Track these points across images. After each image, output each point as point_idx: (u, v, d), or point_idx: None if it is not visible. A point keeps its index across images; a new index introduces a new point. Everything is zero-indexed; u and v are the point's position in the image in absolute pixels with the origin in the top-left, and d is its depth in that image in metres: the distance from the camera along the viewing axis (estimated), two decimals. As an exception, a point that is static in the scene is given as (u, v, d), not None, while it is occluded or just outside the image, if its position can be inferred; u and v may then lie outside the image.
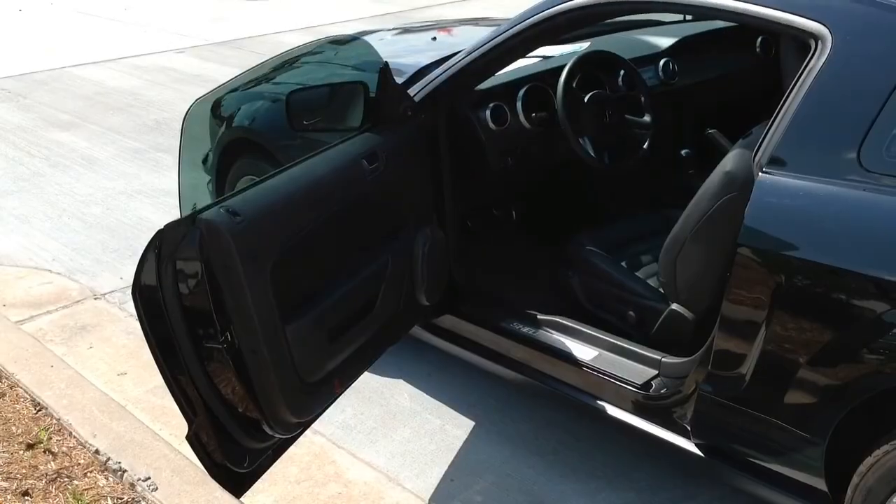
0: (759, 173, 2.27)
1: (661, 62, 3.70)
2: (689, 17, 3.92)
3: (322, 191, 2.57)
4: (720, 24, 3.86)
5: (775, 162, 2.27)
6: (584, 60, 3.28)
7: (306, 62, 3.80)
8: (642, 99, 3.43)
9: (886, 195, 2.11)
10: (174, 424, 3.20)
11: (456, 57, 3.10)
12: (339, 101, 2.95)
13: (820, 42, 2.27)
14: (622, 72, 3.53)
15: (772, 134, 2.30)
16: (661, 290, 2.98)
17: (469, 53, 3.05)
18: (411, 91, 3.08)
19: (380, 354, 2.97)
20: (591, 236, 3.26)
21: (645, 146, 3.37)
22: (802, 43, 2.37)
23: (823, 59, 2.24)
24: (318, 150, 2.69)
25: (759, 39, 3.96)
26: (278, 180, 2.47)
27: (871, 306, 2.08)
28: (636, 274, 3.12)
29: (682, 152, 3.58)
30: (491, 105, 3.27)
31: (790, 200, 2.24)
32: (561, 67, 3.42)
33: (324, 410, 2.70)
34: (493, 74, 3.16)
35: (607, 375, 2.85)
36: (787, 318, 2.22)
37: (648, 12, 3.09)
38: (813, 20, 2.29)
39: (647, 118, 3.42)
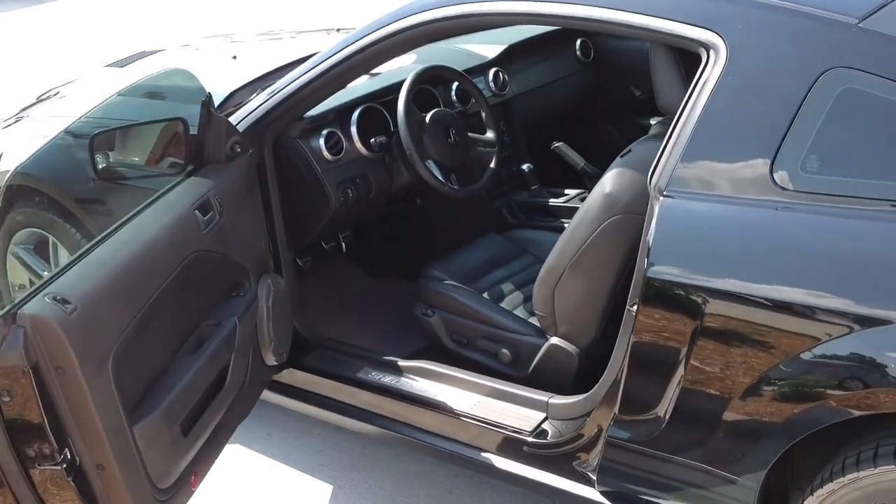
0: (660, 196, 2.06)
1: (491, 72, 3.46)
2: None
3: (156, 255, 2.14)
4: (542, 28, 3.66)
5: (678, 183, 2.06)
6: (421, 77, 2.98)
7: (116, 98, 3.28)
8: (483, 114, 3.19)
9: (804, 214, 1.95)
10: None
11: (283, 81, 2.73)
12: (155, 142, 2.51)
13: (712, 51, 2.08)
14: (455, 85, 3.28)
15: (669, 153, 2.09)
16: (536, 322, 2.75)
17: (299, 76, 2.69)
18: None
19: (233, 432, 2.56)
20: (444, 267, 2.98)
21: (492, 165, 3.13)
22: (690, 53, 2.18)
23: (719, 69, 2.05)
24: (142, 205, 2.25)
25: (579, 42, 3.81)
26: (106, 250, 2.02)
27: (801, 335, 1.92)
28: (502, 305, 2.86)
29: (524, 167, 3.36)
30: (324, 132, 2.92)
31: (701, 225, 2.04)
32: (392, 85, 3.13)
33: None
34: (326, 99, 2.80)
35: (489, 424, 2.58)
36: (709, 352, 2.02)
37: (515, 24, 2.84)
38: (701, 28, 2.10)
39: (490, 135, 3.18)
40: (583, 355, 2.59)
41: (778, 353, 1.94)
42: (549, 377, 2.65)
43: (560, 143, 3.13)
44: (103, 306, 1.89)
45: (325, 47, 3.45)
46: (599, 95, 3.88)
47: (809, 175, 1.96)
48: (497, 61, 3.51)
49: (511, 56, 3.56)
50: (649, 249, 2.05)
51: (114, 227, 2.12)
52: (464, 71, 3.30)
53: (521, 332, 2.73)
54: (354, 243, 3.44)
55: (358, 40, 2.57)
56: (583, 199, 3.31)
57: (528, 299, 2.89)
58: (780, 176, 1.97)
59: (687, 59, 2.32)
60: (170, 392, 2.10)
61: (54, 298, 1.79)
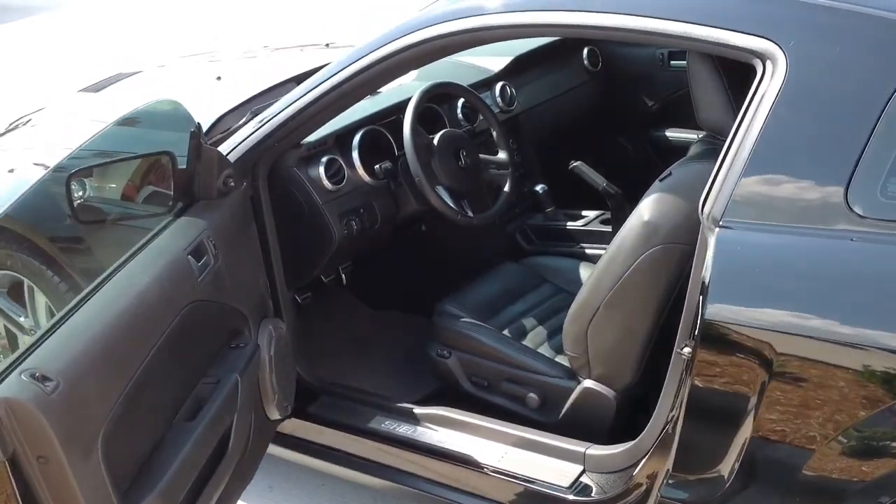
0: (717, 227, 1.82)
1: (498, 87, 3.21)
2: None
3: (148, 313, 1.88)
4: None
5: (736, 212, 1.82)
6: (427, 95, 2.73)
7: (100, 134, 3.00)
8: (494, 133, 2.94)
9: (887, 245, 1.71)
10: None
11: (278, 104, 2.47)
12: (140, 178, 2.25)
13: (769, 62, 1.84)
14: (461, 101, 3.03)
15: (724, 177, 1.85)
16: (565, 363, 2.50)
17: (296, 99, 2.43)
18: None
19: (237, 500, 2.30)
20: (459, 302, 2.72)
21: (506, 188, 2.88)
22: (744, 65, 1.94)
23: (778, 82, 1.81)
24: (128, 252, 1.99)
25: (586, 51, 3.57)
26: (90, 311, 1.76)
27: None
28: (525, 343, 2.62)
29: (537, 188, 3.11)
30: (323, 160, 2.66)
31: (766, 259, 1.81)
32: (394, 105, 2.88)
33: None
34: (327, 122, 2.55)
35: (519, 478, 2.33)
36: (783, 401, 1.77)
37: (541, 36, 2.61)
38: (754, 35, 1.86)
39: (502, 155, 2.93)
40: (620, 400, 2.35)
41: (867, 402, 1.70)
42: (582, 424, 2.40)
43: (579, 163, 2.89)
44: (89, 380, 1.63)
45: (321, 63, 3.28)
46: (609, 107, 3.64)
47: (891, 201, 1.72)
48: (503, 74, 3.26)
49: (517, 68, 3.31)
50: (706, 287, 1.81)
51: (98, 281, 1.86)
52: (469, 86, 3.06)
53: (550, 374, 2.49)
54: (355, 275, 3.19)
55: (363, 57, 2.31)
56: (604, 222, 3.10)
57: (552, 335, 2.65)
58: (856, 202, 1.73)
59: (727, 65, 2.09)
60: (167, 468, 1.84)
61: (32, 376, 1.52)
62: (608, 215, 3.05)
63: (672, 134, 3.60)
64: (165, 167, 2.20)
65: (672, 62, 3.53)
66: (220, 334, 2.23)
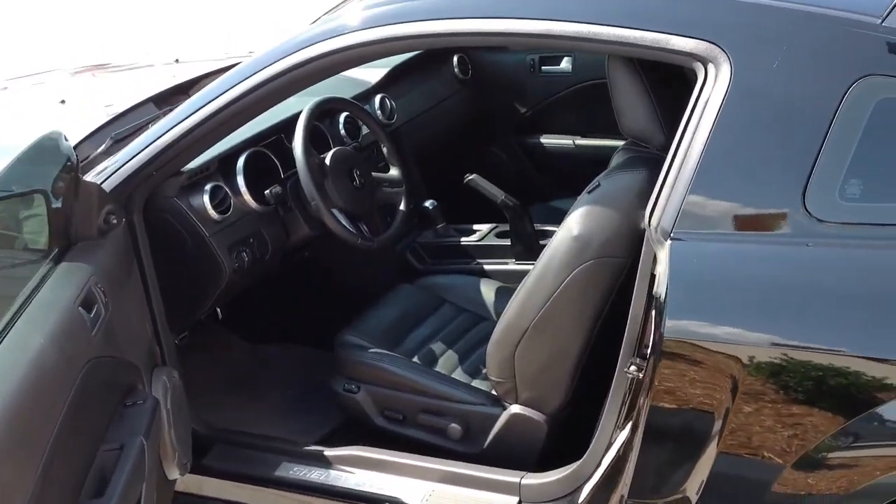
0: (668, 240, 1.73)
1: (377, 99, 3.04)
2: None
3: (49, 379, 1.62)
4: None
5: (687, 223, 1.73)
6: (317, 111, 2.54)
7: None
8: (385, 149, 2.77)
9: (851, 249, 1.67)
10: None
11: (156, 129, 2.23)
12: (9, 223, 1.95)
13: (711, 66, 1.77)
14: (343, 116, 2.84)
15: (671, 187, 1.77)
16: (484, 388, 2.37)
17: (178, 122, 2.19)
18: None
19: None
20: (360, 331, 2.54)
21: (402, 207, 2.71)
22: (684, 69, 1.86)
23: (723, 86, 1.74)
24: (14, 309, 1.71)
25: (456, 59, 3.46)
26: None
27: (865, 390, 1.63)
28: (437, 370, 2.46)
29: (426, 204, 2.96)
30: (207, 188, 2.42)
31: (724, 270, 1.74)
32: (276, 125, 2.66)
33: None
34: (211, 147, 2.32)
35: (452, 518, 2.18)
36: (751, 417, 1.70)
37: (460, 45, 2.44)
38: (697, 39, 1.78)
39: (394, 172, 2.77)
40: (551, 423, 2.24)
41: (839, 414, 1.65)
42: (512, 452, 2.27)
43: (474, 176, 2.76)
44: (6, 468, 1.38)
45: (175, 82, 3.02)
46: (482, 116, 3.54)
47: (850, 203, 1.68)
48: (380, 86, 3.09)
49: (393, 79, 3.15)
50: (663, 302, 1.72)
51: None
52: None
53: (471, 402, 2.34)
54: (230, 308, 2.95)
55: (258, 72, 2.11)
56: (499, 235, 2.98)
57: (464, 359, 2.52)
58: (814, 206, 1.68)
59: (648, 71, 2.01)
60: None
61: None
62: (503, 228, 2.94)
63: (547, 140, 3.53)
64: (39, 207, 1.92)
65: (543, 68, 3.47)
66: (115, 392, 1.97)
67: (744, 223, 1.74)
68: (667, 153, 1.82)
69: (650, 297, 1.84)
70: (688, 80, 2.17)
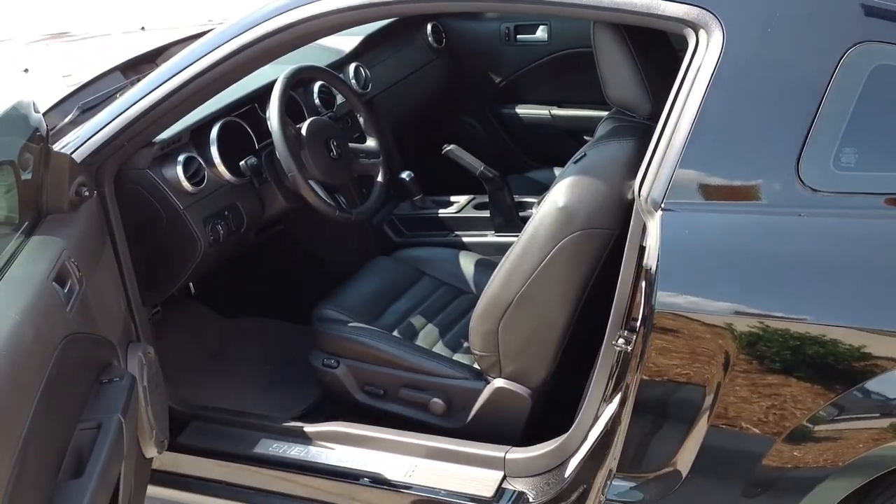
0: (658, 211, 1.70)
1: (352, 68, 2.97)
2: None
3: (25, 357, 1.56)
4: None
5: (678, 193, 1.70)
6: (292, 80, 2.47)
7: None
8: (361, 119, 2.71)
9: (846, 218, 1.65)
10: None
11: (127, 98, 2.16)
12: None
13: (702, 32, 1.73)
14: (317, 86, 2.78)
15: (661, 157, 1.73)
16: (466, 361, 2.34)
17: (149, 91, 2.12)
18: None
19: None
20: (338, 305, 2.49)
21: (379, 178, 2.66)
22: (675, 36, 1.82)
23: (715, 53, 1.70)
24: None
25: (430, 27, 3.39)
26: None
27: (858, 361, 1.61)
28: (418, 344, 2.42)
29: (403, 175, 2.90)
30: (180, 159, 2.35)
31: (720, 240, 1.71)
32: (249, 95, 2.59)
33: None
34: (184, 116, 2.25)
35: (435, 493, 2.15)
36: (743, 389, 1.68)
37: (454, 10, 2.36)
38: (688, 4, 1.74)
39: (371, 143, 2.71)
40: (536, 397, 2.21)
41: (832, 386, 1.63)
42: (496, 427, 2.25)
43: (452, 146, 2.71)
44: None
45: (142, 50, 2.93)
46: (456, 85, 3.48)
47: (845, 172, 1.65)
48: (354, 55, 3.02)
49: (367, 48, 3.08)
50: (654, 274, 1.69)
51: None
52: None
53: (454, 376, 2.31)
54: (203, 282, 2.89)
55: (232, 39, 2.04)
56: (477, 206, 2.94)
57: (445, 333, 2.48)
58: (808, 176, 1.65)
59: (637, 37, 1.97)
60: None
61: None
62: (481, 199, 2.90)
63: (522, 111, 3.48)
64: (7, 179, 1.85)
65: (518, 37, 3.42)
66: (91, 369, 1.91)
67: (736, 193, 1.71)
68: (654, 122, 1.79)
69: (639, 269, 1.81)
70: (672, 47, 2.16)
